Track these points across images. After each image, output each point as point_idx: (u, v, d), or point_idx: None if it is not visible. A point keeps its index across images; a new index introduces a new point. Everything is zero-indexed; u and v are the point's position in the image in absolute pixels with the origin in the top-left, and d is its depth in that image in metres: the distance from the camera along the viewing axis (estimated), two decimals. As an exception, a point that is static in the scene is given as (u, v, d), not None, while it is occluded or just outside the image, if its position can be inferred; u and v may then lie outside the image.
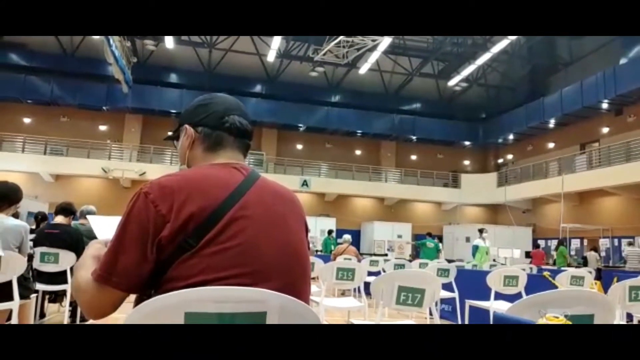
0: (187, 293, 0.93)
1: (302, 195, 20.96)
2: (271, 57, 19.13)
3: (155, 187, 1.05)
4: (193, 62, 20.83)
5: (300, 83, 21.60)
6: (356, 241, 19.95)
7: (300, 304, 0.98)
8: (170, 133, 1.35)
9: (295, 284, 1.10)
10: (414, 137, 22.91)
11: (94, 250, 1.17)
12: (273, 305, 0.95)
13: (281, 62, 20.90)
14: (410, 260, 9.67)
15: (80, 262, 1.15)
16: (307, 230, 1.24)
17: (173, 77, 20.91)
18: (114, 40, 14.29)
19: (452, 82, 21.43)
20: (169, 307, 0.92)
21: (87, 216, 1.41)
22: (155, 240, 1.01)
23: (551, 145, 20.43)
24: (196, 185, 1.07)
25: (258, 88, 21.79)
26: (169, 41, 17.51)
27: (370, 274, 6.76)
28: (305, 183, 20.33)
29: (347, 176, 21.50)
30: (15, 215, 3.94)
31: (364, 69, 19.81)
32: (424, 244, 13.17)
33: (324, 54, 17.98)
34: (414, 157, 23.89)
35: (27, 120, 20.29)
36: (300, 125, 21.93)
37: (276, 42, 17.57)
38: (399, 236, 20.39)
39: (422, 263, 8.07)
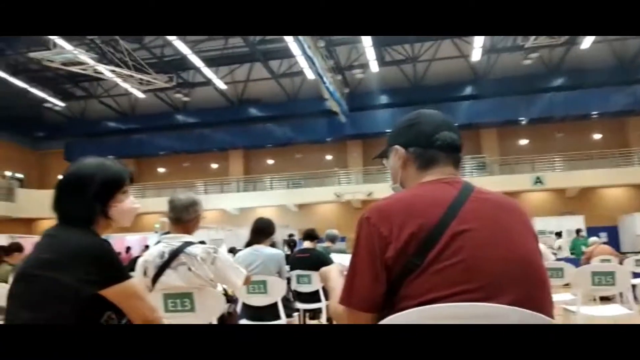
0: (422, 311, 0.95)
1: (536, 195, 19.23)
2: (476, 56, 18.28)
3: (375, 211, 1.13)
4: (399, 79, 21.34)
5: (513, 75, 19.93)
6: (614, 239, 17.23)
7: (540, 317, 0.91)
8: (379, 153, 1.43)
9: (533, 296, 1.02)
10: (671, 107, 18.87)
11: (335, 277, 1.32)
12: (511, 321, 0.90)
13: (488, 59, 19.75)
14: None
15: (330, 291, 1.30)
16: (536, 237, 1.15)
17: (383, 99, 21.74)
18: (327, 77, 15.67)
19: None
20: (405, 326, 0.94)
21: (332, 254, 1.60)
22: (382, 261, 1.07)
23: None
24: (412, 205, 1.10)
25: (468, 90, 20.96)
26: (374, 65, 18.31)
27: (635, 275, 5.76)
28: (538, 180, 18.56)
29: (588, 165, 18.77)
30: (273, 245, 4.59)
31: (586, 42, 17.21)
32: None
33: (536, 39, 16.36)
34: (675, 131, 19.64)
35: (270, 161, 23.83)
36: (521, 118, 20.25)
37: (479, 39, 16.75)
38: (671, 228, 16.82)
39: None
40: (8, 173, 23.61)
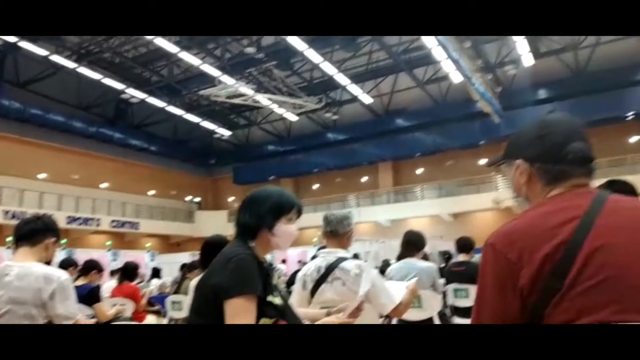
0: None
1: None
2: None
3: (500, 236, 1.04)
4: (557, 70, 19.37)
5: None
6: None
7: None
8: (493, 159, 1.31)
9: None
10: None
11: None
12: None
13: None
14: None
15: None
16: None
17: (541, 93, 19.91)
18: (475, 78, 14.96)
19: None
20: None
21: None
22: (514, 291, 0.98)
23: None
24: (541, 224, 1.01)
25: (646, 72, 18.07)
26: (527, 59, 16.94)
27: None
28: None
29: None
30: (425, 258, 4.49)
31: None
32: None
33: None
34: None
35: (419, 170, 23.49)
36: None
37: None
38: None
39: None
40: (188, 198, 27.09)
